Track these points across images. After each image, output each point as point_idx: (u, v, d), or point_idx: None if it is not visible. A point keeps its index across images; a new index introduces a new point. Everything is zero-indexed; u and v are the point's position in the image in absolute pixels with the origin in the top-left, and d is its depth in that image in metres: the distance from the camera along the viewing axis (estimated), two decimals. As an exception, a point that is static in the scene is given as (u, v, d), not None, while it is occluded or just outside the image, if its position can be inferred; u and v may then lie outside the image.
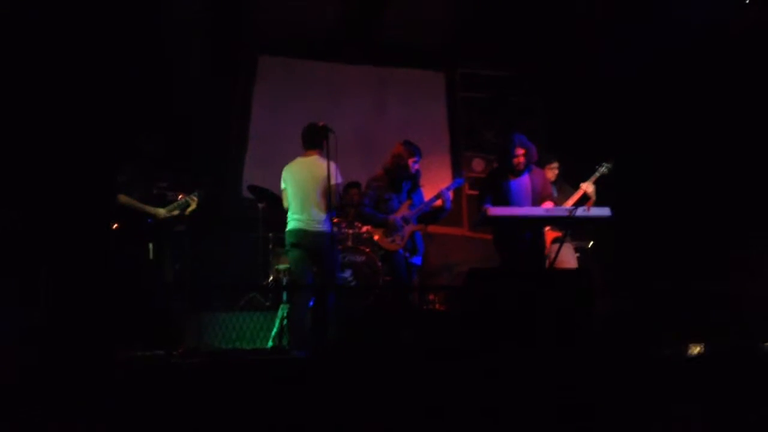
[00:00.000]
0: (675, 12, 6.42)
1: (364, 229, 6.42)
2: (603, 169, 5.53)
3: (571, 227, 5.21)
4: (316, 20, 7.48)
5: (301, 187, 5.26)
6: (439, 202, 5.35)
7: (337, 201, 5.25)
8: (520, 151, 5.17)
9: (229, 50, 7.75)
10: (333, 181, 5.09)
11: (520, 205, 5.13)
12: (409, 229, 5.27)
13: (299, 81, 7.98)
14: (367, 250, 6.29)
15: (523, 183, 5.24)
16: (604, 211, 4.78)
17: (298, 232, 5.20)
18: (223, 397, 3.50)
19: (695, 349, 4.33)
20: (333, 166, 5.12)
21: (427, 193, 5.54)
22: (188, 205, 5.47)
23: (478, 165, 8.32)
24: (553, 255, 5.27)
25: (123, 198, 5.32)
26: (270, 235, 6.59)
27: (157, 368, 4.02)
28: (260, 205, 6.71)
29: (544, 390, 3.53)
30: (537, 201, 5.17)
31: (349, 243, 6.44)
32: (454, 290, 5.57)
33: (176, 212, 5.45)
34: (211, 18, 7.18)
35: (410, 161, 5.25)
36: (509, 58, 8.25)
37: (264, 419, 3.44)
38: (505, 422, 3.33)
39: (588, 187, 5.44)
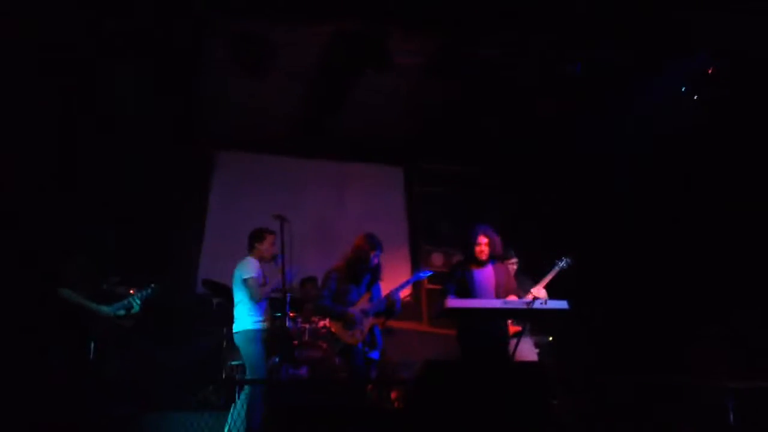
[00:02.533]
0: (634, 111, 6.66)
1: (321, 323, 6.31)
2: (562, 264, 5.54)
3: (530, 320, 5.20)
4: (274, 116, 7.59)
5: None
6: (388, 303, 5.32)
7: (259, 293, 5.37)
8: (483, 240, 5.23)
9: (186, 146, 7.79)
10: (245, 276, 5.38)
11: (483, 297, 5.12)
12: (368, 322, 5.19)
13: (257, 175, 8.03)
14: (324, 345, 6.15)
15: (487, 275, 5.25)
16: (562, 304, 4.80)
17: None
18: None
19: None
20: (241, 264, 5.45)
21: (386, 286, 5.49)
22: (132, 307, 5.32)
23: (437, 259, 8.33)
24: (512, 349, 5.23)
25: (65, 293, 5.11)
26: (225, 330, 6.41)
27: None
28: (215, 301, 6.57)
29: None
30: (501, 294, 5.16)
31: (306, 338, 6.29)
32: (407, 383, 5.44)
33: (121, 313, 5.27)
34: (166, 114, 7.25)
35: (371, 254, 5.23)
36: (467, 154, 8.42)
37: None
38: None
39: (538, 291, 5.28)
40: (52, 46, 5.73)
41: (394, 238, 8.20)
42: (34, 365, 5.07)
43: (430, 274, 6.13)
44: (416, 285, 8.17)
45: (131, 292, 5.33)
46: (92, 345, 5.09)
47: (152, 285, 5.44)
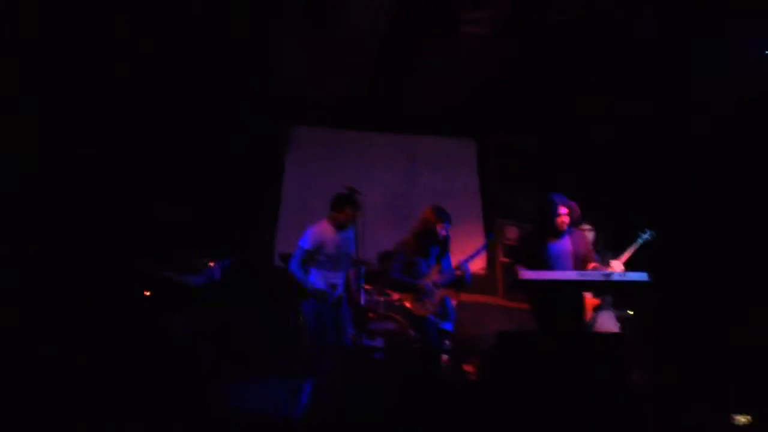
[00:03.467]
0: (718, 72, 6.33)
1: (396, 296, 6.34)
2: (645, 236, 5.34)
3: (608, 292, 5.05)
4: (345, 91, 7.61)
5: None
6: (458, 273, 5.27)
7: (293, 264, 5.36)
8: (564, 210, 5.02)
9: (263, 121, 7.91)
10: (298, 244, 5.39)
11: (561, 268, 4.94)
12: (439, 294, 5.18)
13: (331, 150, 8.08)
14: (399, 318, 6.19)
15: (564, 245, 5.06)
16: (642, 276, 4.63)
17: None
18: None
19: (741, 420, 4.10)
20: (308, 229, 5.41)
21: (457, 261, 5.46)
22: (213, 277, 5.45)
23: (511, 232, 8.20)
24: (591, 322, 5.12)
25: (146, 265, 5.30)
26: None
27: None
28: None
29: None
30: (580, 264, 4.97)
31: (381, 310, 6.35)
32: (482, 354, 5.40)
33: (202, 282, 5.41)
34: (244, 92, 7.39)
35: (438, 227, 5.20)
36: (542, 125, 8.23)
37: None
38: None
39: (618, 265, 5.10)
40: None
41: (467, 212, 8.13)
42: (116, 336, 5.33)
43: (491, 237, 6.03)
44: (491, 259, 8.10)
45: (210, 264, 5.47)
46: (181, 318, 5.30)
47: (232, 256, 5.56)
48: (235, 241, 6.82)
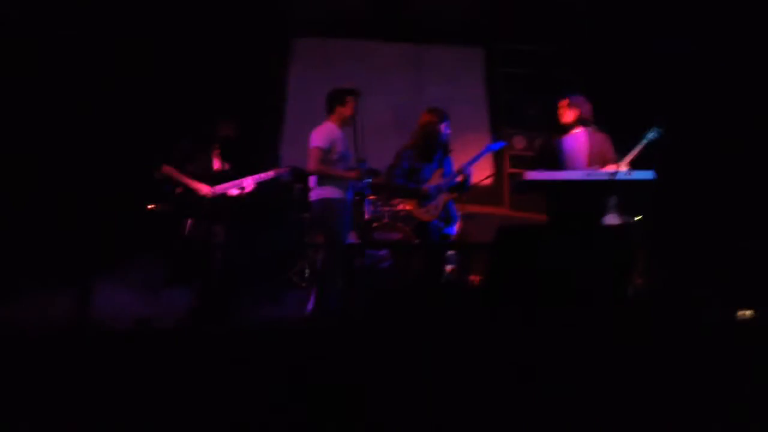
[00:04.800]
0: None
1: (401, 206, 6.30)
2: (651, 135, 5.22)
3: (614, 193, 4.96)
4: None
5: None
6: (460, 178, 5.20)
7: (314, 164, 5.11)
8: (563, 102, 4.95)
9: (265, 34, 7.73)
10: (310, 145, 5.13)
11: (574, 165, 4.83)
12: (442, 197, 5.12)
13: (334, 61, 7.91)
14: (405, 228, 6.17)
15: (579, 141, 4.92)
16: (647, 174, 4.54)
17: None
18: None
19: (746, 314, 4.08)
20: (315, 131, 5.16)
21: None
22: (243, 187, 5.38)
23: (519, 142, 8.09)
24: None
25: (167, 169, 5.26)
26: (306, 215, 6.52)
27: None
28: (297, 186, 6.66)
29: (575, 353, 3.34)
30: (596, 162, 4.83)
31: (386, 220, 6.33)
32: (481, 247, 5.38)
33: (232, 192, 5.33)
34: (244, 4, 7.22)
35: (440, 126, 5.11)
36: (550, 32, 7.99)
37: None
38: (540, 382, 3.16)
39: (623, 165, 5.05)
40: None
41: (475, 122, 8.02)
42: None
43: (503, 145, 5.92)
44: (498, 169, 8.02)
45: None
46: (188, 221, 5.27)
47: (273, 170, 5.47)
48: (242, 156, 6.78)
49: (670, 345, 3.55)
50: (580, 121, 4.96)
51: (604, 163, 4.83)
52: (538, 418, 3.28)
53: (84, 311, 4.16)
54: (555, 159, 4.92)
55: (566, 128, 4.98)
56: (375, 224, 6.26)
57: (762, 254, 4.87)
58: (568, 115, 4.94)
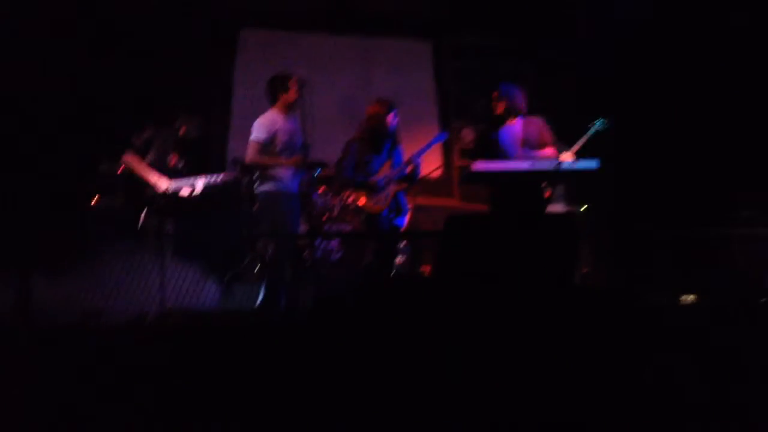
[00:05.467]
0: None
1: (351, 198, 6.28)
2: (597, 125, 5.33)
3: (558, 182, 5.06)
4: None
5: None
6: (409, 169, 5.21)
7: (250, 157, 5.10)
8: (495, 94, 5.04)
9: (208, 26, 7.60)
10: (251, 138, 5.11)
11: (510, 153, 4.93)
12: (392, 189, 5.13)
13: (281, 54, 7.78)
14: (355, 220, 6.14)
15: (514, 130, 5.02)
16: (591, 164, 4.63)
17: None
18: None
19: (688, 299, 4.20)
20: (257, 122, 5.13)
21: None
22: (194, 189, 5.30)
23: (468, 135, 8.14)
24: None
25: (129, 158, 5.16)
26: (254, 208, 6.43)
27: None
28: (244, 180, 6.56)
29: (523, 341, 3.38)
30: (532, 149, 4.95)
31: (336, 213, 6.30)
32: (431, 235, 5.42)
33: (183, 191, 5.25)
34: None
35: (388, 117, 5.11)
36: (497, 26, 8.05)
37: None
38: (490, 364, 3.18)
39: (568, 156, 5.13)
40: None
41: (424, 116, 8.04)
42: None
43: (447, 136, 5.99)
44: (447, 161, 8.06)
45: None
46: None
47: (222, 174, 5.40)
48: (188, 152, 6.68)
49: (615, 331, 3.63)
50: (510, 112, 5.02)
51: (541, 146, 4.92)
52: (485, 404, 3.32)
53: (25, 304, 4.03)
54: (490, 151, 4.98)
55: (501, 119, 5.06)
56: (325, 216, 6.23)
57: (705, 241, 5.01)
58: (498, 107, 5.03)
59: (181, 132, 5.40)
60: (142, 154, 5.23)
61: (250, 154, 5.06)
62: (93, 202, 5.29)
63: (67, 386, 3.29)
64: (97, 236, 5.23)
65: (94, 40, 6.71)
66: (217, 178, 5.35)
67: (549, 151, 4.87)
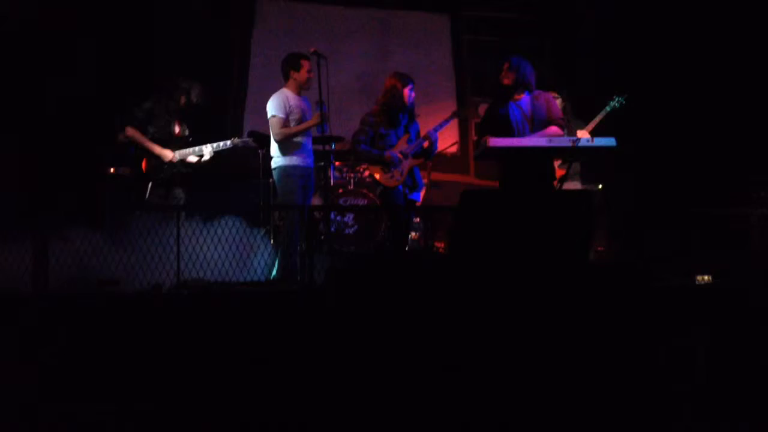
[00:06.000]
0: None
1: (366, 173, 6.28)
2: (614, 103, 5.30)
3: (576, 159, 5.01)
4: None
5: None
6: (426, 144, 5.18)
7: (277, 132, 5.15)
8: (504, 65, 4.86)
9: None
10: (269, 114, 5.16)
11: (518, 129, 4.81)
12: (407, 163, 5.12)
13: (299, 25, 7.77)
14: (370, 194, 6.14)
15: (522, 106, 4.88)
16: (609, 141, 4.57)
17: None
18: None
19: (704, 279, 4.18)
20: (270, 100, 5.17)
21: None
22: (202, 155, 5.35)
23: (484, 110, 8.08)
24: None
25: (131, 132, 5.20)
26: (271, 181, 6.44)
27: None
28: (261, 152, 6.57)
29: (538, 318, 3.39)
30: (540, 126, 4.81)
31: (351, 187, 6.30)
32: (446, 210, 5.39)
33: (192, 160, 5.31)
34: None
35: (405, 90, 5.08)
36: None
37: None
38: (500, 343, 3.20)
39: (584, 133, 5.03)
40: None
41: (441, 90, 8.00)
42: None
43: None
44: (463, 137, 8.02)
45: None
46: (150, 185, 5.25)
47: (231, 139, 5.44)
48: (207, 124, 6.69)
49: (630, 310, 3.63)
50: (519, 85, 4.88)
51: (548, 124, 4.82)
52: (501, 382, 3.34)
53: (42, 271, 4.08)
54: (499, 125, 4.83)
55: (508, 92, 4.89)
56: (340, 190, 6.23)
57: (721, 219, 4.98)
58: (507, 79, 4.87)
59: (182, 101, 5.40)
60: (144, 125, 5.28)
61: (276, 130, 5.13)
62: (111, 171, 5.34)
63: (81, 350, 3.35)
64: (113, 205, 5.30)
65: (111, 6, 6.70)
66: (226, 143, 5.39)
67: (553, 129, 4.78)
